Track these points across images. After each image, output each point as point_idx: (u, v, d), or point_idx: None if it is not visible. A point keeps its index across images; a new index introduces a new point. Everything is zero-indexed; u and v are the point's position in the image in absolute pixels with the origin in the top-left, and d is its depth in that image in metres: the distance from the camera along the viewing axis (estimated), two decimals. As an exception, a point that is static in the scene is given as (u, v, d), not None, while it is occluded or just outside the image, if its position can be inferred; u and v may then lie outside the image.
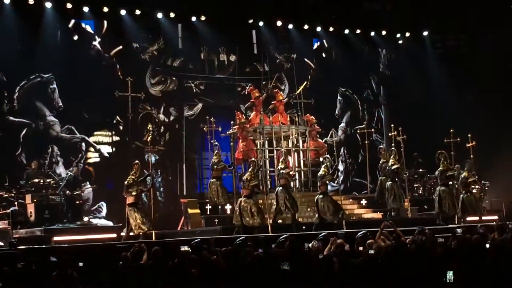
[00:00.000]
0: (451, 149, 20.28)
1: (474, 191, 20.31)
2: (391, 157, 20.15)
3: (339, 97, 26.51)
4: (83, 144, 21.50)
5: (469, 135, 20.64)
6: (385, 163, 20.36)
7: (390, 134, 21.51)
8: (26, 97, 20.73)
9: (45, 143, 20.91)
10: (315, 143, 21.66)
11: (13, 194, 18.34)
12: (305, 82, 23.20)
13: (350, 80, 26.78)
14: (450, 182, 19.52)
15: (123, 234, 16.96)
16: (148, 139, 22.55)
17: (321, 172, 18.62)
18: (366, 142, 23.44)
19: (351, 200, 21.73)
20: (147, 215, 17.05)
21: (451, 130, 20.66)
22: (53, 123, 21.13)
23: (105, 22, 22.18)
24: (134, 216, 16.71)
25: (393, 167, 19.83)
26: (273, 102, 22.11)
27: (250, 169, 18.08)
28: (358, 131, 25.79)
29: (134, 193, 16.85)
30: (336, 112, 26.44)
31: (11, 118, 20.49)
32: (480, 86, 25.45)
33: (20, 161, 20.25)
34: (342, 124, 26.50)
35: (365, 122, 25.21)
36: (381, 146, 22.06)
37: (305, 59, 25.86)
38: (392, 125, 21.66)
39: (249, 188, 17.56)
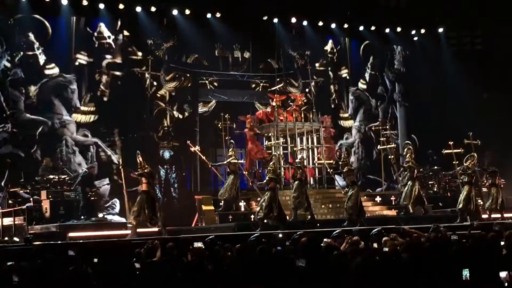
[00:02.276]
0: (472, 150, 20.10)
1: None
2: (405, 151, 20.24)
3: (350, 97, 26.43)
4: (94, 146, 21.50)
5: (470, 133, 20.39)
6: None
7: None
8: (45, 95, 20.81)
9: (60, 141, 20.97)
10: (327, 149, 21.93)
11: (28, 190, 18.43)
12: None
13: (364, 77, 26.71)
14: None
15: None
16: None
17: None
18: (380, 139, 23.37)
19: (365, 197, 21.68)
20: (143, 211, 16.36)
21: (470, 133, 20.47)
22: (69, 123, 21.20)
23: (119, 19, 22.23)
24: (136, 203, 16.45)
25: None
26: (291, 104, 22.31)
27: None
28: (373, 128, 25.71)
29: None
30: (349, 113, 26.37)
31: (28, 115, 20.57)
32: (495, 83, 25.27)
33: (36, 158, 20.33)
34: (356, 123, 26.42)
35: (379, 120, 25.11)
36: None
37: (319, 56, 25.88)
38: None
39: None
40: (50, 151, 20.42)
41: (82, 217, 18.00)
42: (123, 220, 20.25)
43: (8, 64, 20.39)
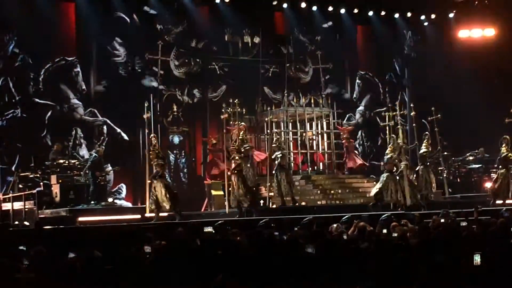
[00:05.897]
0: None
1: None
2: (424, 141, 19.95)
3: (357, 80, 26.36)
4: (105, 127, 21.54)
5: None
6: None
7: (412, 114, 21.12)
8: (51, 80, 20.82)
9: (69, 125, 21.02)
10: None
11: (38, 175, 18.51)
12: None
13: (372, 62, 26.62)
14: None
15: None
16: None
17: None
18: (389, 124, 23.25)
19: (374, 182, 21.62)
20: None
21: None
22: (77, 106, 21.23)
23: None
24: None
25: (421, 152, 19.65)
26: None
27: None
28: (382, 114, 25.60)
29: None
30: (354, 95, 26.32)
31: (37, 100, 20.61)
32: (506, 68, 25.12)
33: (45, 142, 20.38)
34: (360, 108, 26.37)
35: (389, 105, 24.99)
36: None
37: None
38: (412, 105, 21.59)
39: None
40: (59, 135, 20.45)
41: (92, 201, 18.06)
42: (129, 204, 20.49)
43: (16, 50, 20.41)
